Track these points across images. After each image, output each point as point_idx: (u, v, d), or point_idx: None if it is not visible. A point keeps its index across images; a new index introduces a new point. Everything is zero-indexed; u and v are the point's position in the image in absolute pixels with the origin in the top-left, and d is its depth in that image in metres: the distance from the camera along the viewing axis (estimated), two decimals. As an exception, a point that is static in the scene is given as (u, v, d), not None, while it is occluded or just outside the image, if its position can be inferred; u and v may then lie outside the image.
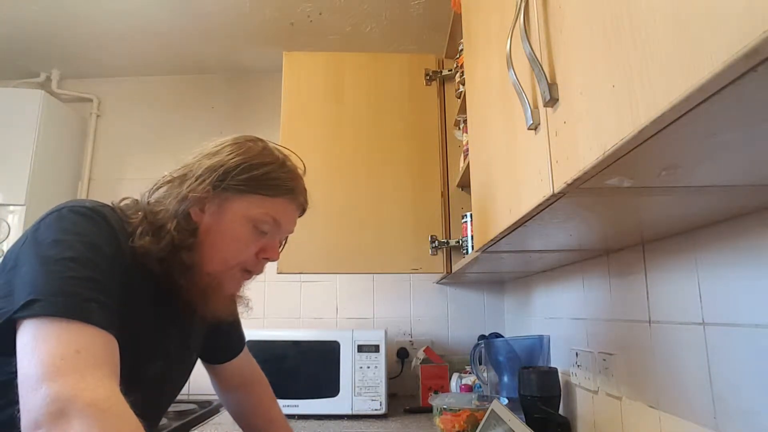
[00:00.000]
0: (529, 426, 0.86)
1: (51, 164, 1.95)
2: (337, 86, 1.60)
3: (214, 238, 0.72)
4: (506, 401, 1.14)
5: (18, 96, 1.92)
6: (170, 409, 0.89)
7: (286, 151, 0.81)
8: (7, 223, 1.81)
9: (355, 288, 1.96)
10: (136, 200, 0.75)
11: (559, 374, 1.15)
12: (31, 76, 2.14)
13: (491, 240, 0.88)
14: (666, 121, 0.34)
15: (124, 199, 0.75)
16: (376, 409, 1.48)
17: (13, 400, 0.48)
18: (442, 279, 1.80)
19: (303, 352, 1.56)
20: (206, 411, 1.56)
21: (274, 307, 1.94)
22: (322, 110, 1.59)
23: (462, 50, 1.37)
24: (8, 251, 0.62)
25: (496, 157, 0.84)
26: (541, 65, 0.56)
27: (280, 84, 1.59)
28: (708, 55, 0.28)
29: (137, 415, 0.51)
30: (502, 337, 1.66)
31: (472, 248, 1.20)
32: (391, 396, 1.74)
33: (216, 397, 1.43)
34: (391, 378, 1.77)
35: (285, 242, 0.86)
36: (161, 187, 0.75)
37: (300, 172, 0.81)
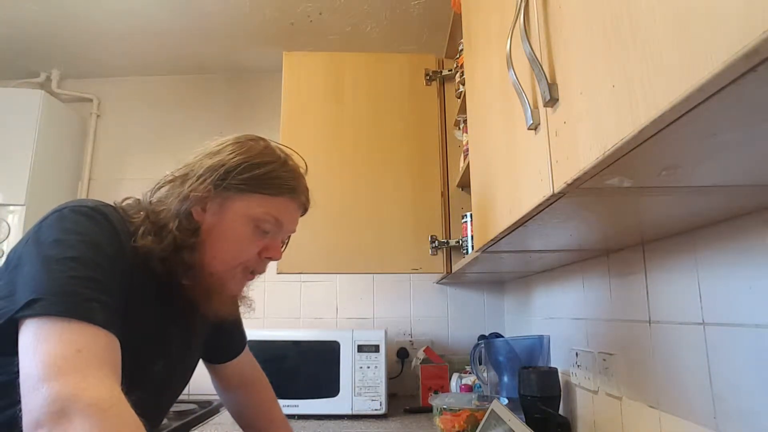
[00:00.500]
0: (529, 426, 0.86)
1: (51, 164, 1.95)
2: (337, 86, 1.60)
3: (216, 237, 0.72)
4: (506, 401, 1.14)
5: (18, 96, 1.92)
6: (170, 409, 0.89)
7: (287, 150, 0.81)
8: (7, 223, 1.81)
9: (355, 288, 1.96)
10: (138, 200, 0.75)
11: (559, 374, 1.15)
12: (31, 76, 2.14)
13: (491, 240, 0.88)
14: (666, 121, 0.34)
15: (126, 198, 0.75)
16: (376, 409, 1.48)
17: (15, 400, 0.48)
18: (442, 279, 1.80)
19: (303, 352, 1.56)
20: (206, 411, 1.56)
21: (274, 307, 1.94)
22: (322, 110, 1.59)
23: (462, 50, 1.37)
24: (11, 251, 0.62)
25: (496, 157, 0.84)
26: (541, 65, 0.56)
27: (280, 84, 1.59)
28: (708, 55, 0.28)
29: (138, 414, 0.51)
30: (502, 337, 1.66)
31: (472, 248, 1.20)
32: (391, 396, 1.74)
33: (216, 397, 1.43)
34: (391, 378, 1.77)
35: (287, 242, 0.86)
36: (163, 186, 0.75)
37: (302, 171, 0.81)
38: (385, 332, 1.57)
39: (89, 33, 1.87)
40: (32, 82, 2.13)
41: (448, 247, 1.51)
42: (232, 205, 0.73)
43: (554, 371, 1.14)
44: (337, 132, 1.57)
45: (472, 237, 1.26)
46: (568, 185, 0.51)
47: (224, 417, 1.51)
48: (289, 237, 0.85)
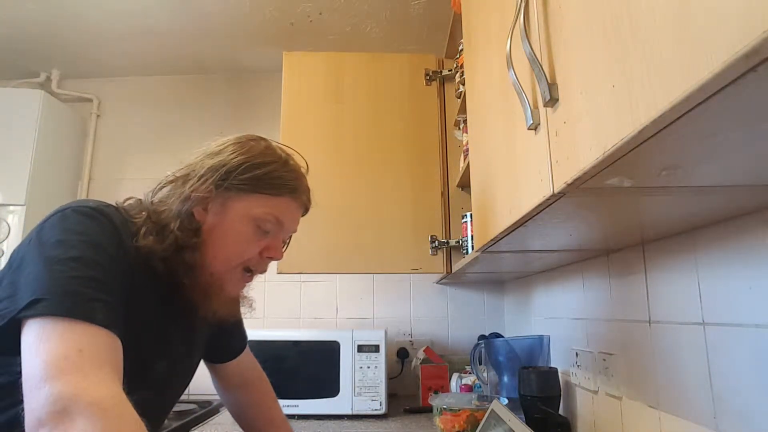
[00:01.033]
0: (529, 426, 0.86)
1: (51, 164, 1.95)
2: (337, 86, 1.60)
3: (217, 237, 0.72)
4: (506, 401, 1.14)
5: (18, 96, 1.92)
6: (172, 408, 0.89)
7: (288, 150, 0.81)
8: (7, 223, 1.81)
9: (355, 288, 1.96)
10: (140, 200, 0.75)
11: (559, 374, 1.15)
12: (31, 76, 2.14)
13: (491, 240, 0.88)
14: (666, 121, 0.34)
15: (127, 199, 0.75)
16: (376, 409, 1.48)
17: (18, 400, 0.48)
18: (442, 279, 1.80)
19: (303, 352, 1.56)
20: (206, 411, 1.56)
21: (274, 307, 1.94)
22: (322, 110, 1.59)
23: (462, 50, 1.37)
24: (13, 251, 0.62)
25: (496, 157, 0.84)
26: (541, 65, 0.56)
27: (280, 84, 1.59)
28: (708, 55, 0.28)
29: (140, 414, 0.51)
30: (502, 337, 1.66)
31: (472, 248, 1.20)
32: (391, 396, 1.74)
33: (216, 397, 1.43)
34: (391, 378, 1.77)
35: (289, 242, 0.86)
36: (164, 186, 0.75)
37: (303, 171, 0.81)
38: (385, 332, 1.57)
39: (89, 33, 1.87)
40: (32, 82, 2.13)
41: (448, 247, 1.51)
42: (233, 205, 0.73)
43: (554, 371, 1.14)
44: (337, 132, 1.57)
45: (472, 237, 1.26)
46: (568, 185, 0.51)
47: (224, 417, 1.51)
48: (291, 237, 0.85)
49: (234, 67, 2.14)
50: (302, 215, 0.83)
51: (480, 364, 1.41)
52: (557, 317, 1.32)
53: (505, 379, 1.34)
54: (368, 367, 1.52)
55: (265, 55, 2.02)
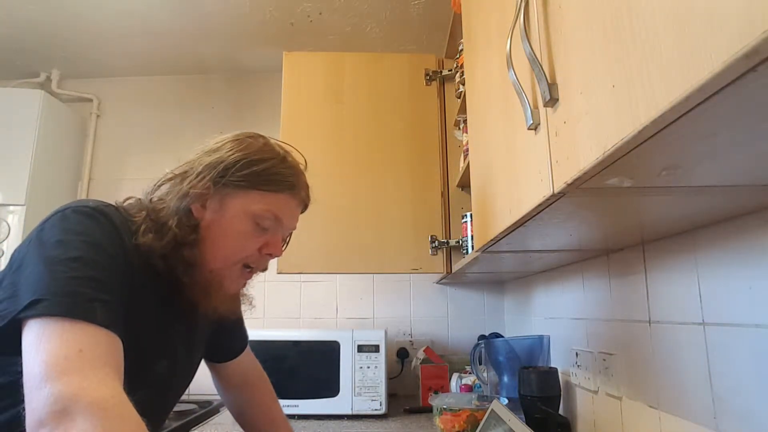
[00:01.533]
0: (529, 426, 0.86)
1: (51, 164, 1.95)
2: (337, 86, 1.60)
3: (215, 234, 0.72)
4: (506, 401, 1.14)
5: (18, 96, 1.92)
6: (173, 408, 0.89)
7: (287, 147, 0.81)
8: (7, 223, 1.81)
9: (355, 288, 1.96)
10: (139, 199, 0.76)
11: (559, 374, 1.15)
12: (31, 76, 2.14)
13: (491, 240, 0.88)
14: (666, 121, 0.34)
15: (127, 198, 0.75)
16: (376, 409, 1.48)
17: (20, 399, 0.49)
18: (442, 279, 1.80)
19: (303, 352, 1.56)
20: (206, 411, 1.56)
21: (274, 307, 1.94)
22: (322, 110, 1.59)
23: (462, 50, 1.37)
24: (14, 251, 0.62)
25: (496, 157, 0.84)
26: (541, 65, 0.56)
27: (280, 84, 1.59)
28: (708, 55, 0.28)
29: (142, 414, 0.51)
30: (502, 337, 1.66)
31: (472, 248, 1.20)
32: (391, 396, 1.74)
33: (216, 397, 1.43)
34: (391, 378, 1.77)
35: (289, 239, 0.86)
36: (163, 184, 0.75)
37: (301, 167, 0.81)
38: (385, 332, 1.57)
39: (89, 33, 1.87)
40: (32, 82, 2.13)
41: (448, 247, 1.51)
42: (231, 202, 0.73)
43: (554, 371, 1.14)
44: (337, 132, 1.57)
45: (472, 237, 1.26)
46: (568, 185, 0.51)
47: (224, 417, 1.51)
48: (291, 234, 0.85)
49: (234, 67, 2.14)
50: (302, 212, 0.83)
51: (480, 364, 1.41)
52: (557, 317, 1.32)
53: (505, 379, 1.34)
54: (368, 367, 1.52)
55: (265, 55, 2.02)
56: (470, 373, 1.56)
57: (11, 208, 1.82)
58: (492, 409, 0.98)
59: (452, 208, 1.56)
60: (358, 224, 1.51)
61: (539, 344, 1.29)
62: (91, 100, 2.18)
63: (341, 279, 1.96)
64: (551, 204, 0.58)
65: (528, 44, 0.57)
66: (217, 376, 0.99)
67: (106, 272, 0.60)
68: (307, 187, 0.81)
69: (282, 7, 1.71)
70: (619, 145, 0.40)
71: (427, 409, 1.44)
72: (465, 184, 1.53)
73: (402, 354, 1.86)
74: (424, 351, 1.71)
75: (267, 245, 0.76)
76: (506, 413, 0.92)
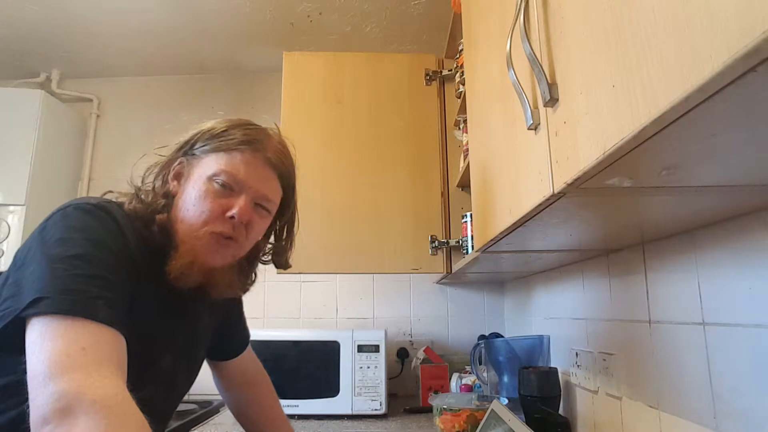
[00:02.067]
0: (529, 426, 0.86)
1: (51, 164, 1.95)
2: (337, 86, 1.60)
3: (181, 203, 0.73)
4: (506, 401, 1.14)
5: (18, 96, 1.92)
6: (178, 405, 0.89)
7: (277, 131, 0.82)
8: (7, 223, 1.80)
9: (355, 288, 1.96)
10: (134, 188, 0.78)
11: (559, 374, 1.15)
12: (31, 76, 2.14)
13: (491, 240, 0.88)
14: (666, 121, 0.34)
15: (121, 194, 0.77)
16: (376, 409, 1.48)
17: (26, 398, 0.49)
18: (442, 279, 1.80)
19: (303, 352, 1.56)
20: (206, 411, 1.56)
21: (274, 307, 1.94)
22: (322, 110, 1.59)
23: (462, 50, 1.37)
24: (18, 251, 0.63)
25: (496, 157, 0.84)
26: (541, 65, 0.56)
27: (280, 84, 1.59)
28: (708, 55, 0.28)
29: (149, 411, 0.51)
30: (502, 337, 1.66)
31: (472, 248, 1.20)
32: (391, 396, 1.74)
33: (216, 397, 1.43)
34: (391, 378, 1.77)
35: (286, 230, 0.87)
36: (152, 169, 0.80)
37: (270, 131, 0.80)
38: (385, 332, 1.57)
39: (89, 33, 1.87)
40: (32, 82, 2.13)
41: (448, 247, 1.51)
42: (194, 171, 0.75)
43: (554, 371, 1.14)
44: (337, 132, 1.57)
45: (472, 237, 1.26)
46: (568, 185, 0.51)
47: (224, 417, 1.51)
48: (289, 226, 0.86)
49: (234, 67, 2.14)
50: (276, 173, 0.77)
51: (480, 364, 1.41)
52: (557, 317, 1.32)
53: (505, 379, 1.34)
54: (368, 367, 1.52)
55: (265, 55, 2.02)
56: (470, 373, 1.56)
57: (11, 208, 1.82)
58: (492, 409, 0.98)
59: (452, 208, 1.56)
60: (358, 224, 1.51)
61: (539, 344, 1.29)
62: (91, 100, 2.18)
63: (341, 279, 1.96)
64: (551, 204, 0.58)
65: (528, 44, 0.57)
66: (219, 374, 0.99)
67: (109, 269, 0.60)
68: (275, 148, 0.77)
69: (282, 7, 1.71)
70: (619, 145, 0.40)
71: (427, 409, 1.44)
72: (465, 184, 1.53)
73: (402, 354, 1.86)
74: (424, 351, 1.71)
75: (229, 206, 0.72)
76: (506, 413, 0.92)
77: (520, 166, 0.69)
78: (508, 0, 0.73)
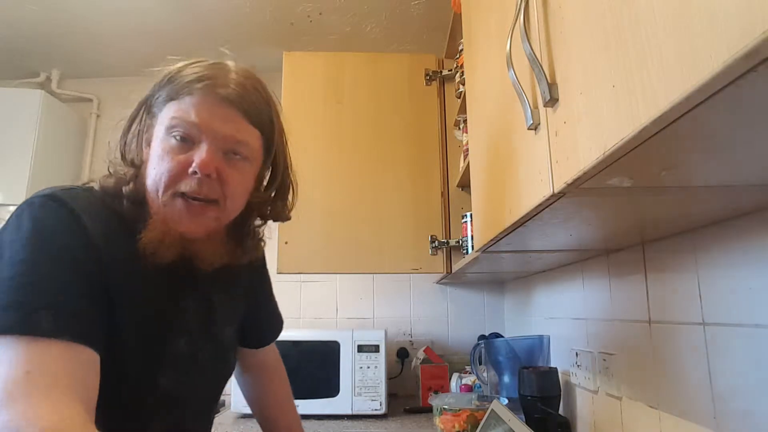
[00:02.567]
0: (529, 426, 0.86)
1: (51, 164, 1.95)
2: (337, 86, 1.60)
3: (148, 169, 0.65)
4: (506, 401, 1.14)
5: (18, 96, 1.92)
6: (220, 395, 0.82)
7: (239, 64, 0.72)
8: (7, 223, 1.80)
9: (355, 288, 1.96)
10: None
11: (559, 374, 1.15)
12: (31, 76, 2.14)
13: (491, 240, 0.88)
14: (666, 120, 0.34)
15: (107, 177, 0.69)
16: (376, 409, 1.48)
17: None
18: (442, 279, 1.80)
19: (303, 352, 1.56)
20: (206, 411, 1.56)
21: (274, 307, 1.93)
22: (322, 110, 1.59)
23: (462, 50, 1.37)
24: None
25: (496, 157, 0.84)
26: (541, 65, 0.56)
27: (280, 84, 1.59)
28: (708, 55, 0.28)
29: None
30: (502, 337, 1.66)
31: (472, 248, 1.20)
32: (391, 396, 1.74)
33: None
34: (391, 378, 1.77)
35: (280, 176, 0.78)
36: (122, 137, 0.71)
37: (234, 67, 0.71)
38: (385, 332, 1.57)
39: (89, 33, 1.87)
40: (32, 82, 2.13)
41: (448, 247, 1.51)
42: (155, 129, 0.66)
43: (554, 371, 1.14)
44: (337, 132, 1.57)
45: (472, 237, 1.26)
46: (569, 185, 0.51)
47: (224, 417, 1.51)
48: (280, 190, 0.77)
49: (234, 67, 2.14)
50: (239, 111, 0.66)
51: (480, 364, 1.41)
52: (557, 317, 1.32)
53: (505, 379, 1.34)
54: (368, 367, 1.52)
55: (265, 55, 2.02)
56: (470, 373, 1.56)
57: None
58: (492, 409, 0.98)
59: (452, 208, 1.56)
60: (358, 224, 1.51)
61: (539, 344, 1.29)
62: (91, 100, 2.18)
63: (341, 279, 1.96)
64: (551, 204, 0.58)
65: (528, 44, 0.57)
66: (239, 356, 0.92)
67: (60, 269, 0.54)
68: (238, 83, 0.68)
69: (282, 7, 1.71)
70: (619, 145, 0.40)
71: (427, 409, 1.44)
72: (465, 184, 1.53)
73: (402, 354, 1.86)
74: (424, 351, 1.71)
75: (190, 161, 0.62)
76: (506, 413, 0.92)
77: (520, 166, 0.69)
78: (508, 0, 0.73)
